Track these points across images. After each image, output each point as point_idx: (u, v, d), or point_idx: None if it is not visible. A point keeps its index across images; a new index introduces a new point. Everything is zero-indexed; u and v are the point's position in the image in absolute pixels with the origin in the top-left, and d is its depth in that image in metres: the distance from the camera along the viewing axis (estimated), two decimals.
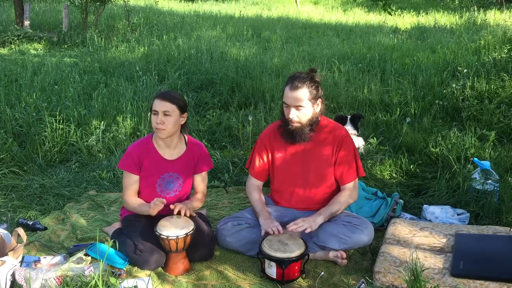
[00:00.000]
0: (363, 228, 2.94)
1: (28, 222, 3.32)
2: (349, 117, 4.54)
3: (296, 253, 2.76)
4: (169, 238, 2.74)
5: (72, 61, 8.51)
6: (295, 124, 2.89)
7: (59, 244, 3.13)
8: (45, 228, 3.30)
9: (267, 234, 2.90)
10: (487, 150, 4.34)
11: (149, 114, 3.04)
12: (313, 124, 2.93)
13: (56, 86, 6.23)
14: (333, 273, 2.90)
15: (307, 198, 3.10)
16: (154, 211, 2.82)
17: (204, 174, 3.19)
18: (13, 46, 10.54)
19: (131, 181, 3.01)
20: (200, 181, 3.17)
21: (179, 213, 2.89)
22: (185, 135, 3.13)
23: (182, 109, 2.99)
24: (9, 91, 5.73)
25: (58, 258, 2.89)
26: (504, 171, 3.99)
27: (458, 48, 8.34)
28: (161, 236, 2.76)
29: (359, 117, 4.54)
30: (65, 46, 10.89)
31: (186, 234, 2.77)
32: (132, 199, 3.02)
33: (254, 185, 3.17)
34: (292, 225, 2.86)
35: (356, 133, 4.50)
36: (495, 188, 3.53)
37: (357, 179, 3.09)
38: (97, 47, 9.62)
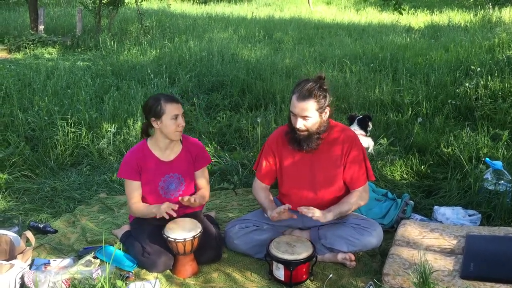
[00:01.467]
0: (371, 231, 2.91)
1: (39, 225, 3.36)
2: (357, 118, 4.51)
3: (303, 255, 2.75)
4: (177, 240, 2.75)
5: (85, 64, 8.60)
6: (303, 133, 2.87)
7: (69, 247, 3.16)
8: (56, 231, 3.33)
9: (271, 227, 2.93)
10: (500, 150, 4.28)
11: (152, 119, 2.95)
12: (321, 132, 2.90)
13: (69, 90, 6.30)
14: (342, 275, 2.88)
15: (315, 202, 3.05)
16: (161, 214, 2.81)
17: (205, 169, 3.18)
18: (27, 51, 10.68)
19: (134, 188, 3.01)
20: (201, 176, 3.17)
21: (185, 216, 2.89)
22: None
23: None
24: (23, 95, 5.80)
25: (67, 261, 2.92)
26: None
27: (472, 47, 8.24)
28: (169, 238, 2.77)
29: (368, 118, 4.51)
30: (79, 50, 11.02)
31: (194, 236, 2.78)
32: (138, 205, 3.01)
33: (260, 187, 3.16)
34: (304, 208, 2.81)
35: (364, 133, 4.47)
36: (508, 188, 3.48)
37: (367, 183, 3.06)
38: (109, 51, 9.69)
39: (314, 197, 3.05)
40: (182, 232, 2.78)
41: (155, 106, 2.92)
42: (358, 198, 3.01)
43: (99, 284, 2.31)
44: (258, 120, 4.69)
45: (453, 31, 12.04)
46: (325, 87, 2.84)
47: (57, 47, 11.17)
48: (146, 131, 3.06)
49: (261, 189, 3.15)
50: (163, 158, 3.05)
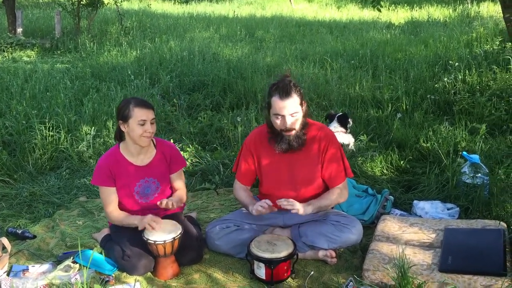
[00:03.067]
0: (351, 227, 2.93)
1: (18, 230, 3.31)
2: (337, 115, 4.53)
3: (284, 253, 2.75)
4: (157, 243, 2.74)
5: (64, 67, 8.50)
6: (291, 133, 2.86)
7: (48, 252, 3.12)
8: (34, 237, 3.29)
9: (252, 227, 2.92)
10: (478, 143, 4.33)
11: (120, 122, 2.91)
12: (304, 127, 2.92)
13: (48, 93, 6.23)
14: (323, 272, 2.89)
15: (295, 200, 3.08)
16: (143, 226, 2.79)
17: (180, 172, 3.16)
18: (6, 54, 10.53)
19: (109, 194, 2.97)
20: (178, 179, 3.14)
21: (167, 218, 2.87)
22: (152, 138, 3.09)
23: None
24: (0, 100, 5.72)
25: (46, 266, 2.89)
26: (495, 163, 3.97)
27: (450, 42, 8.34)
28: (149, 241, 2.75)
29: (346, 116, 4.54)
30: (58, 52, 10.88)
31: (174, 238, 2.76)
32: (115, 213, 2.97)
33: (241, 187, 3.16)
34: (283, 201, 2.81)
35: (345, 130, 4.49)
36: (485, 181, 3.52)
37: (346, 180, 3.07)
38: (89, 52, 9.60)
39: (294, 196, 3.05)
40: (162, 234, 2.77)
41: (123, 108, 2.89)
42: (338, 195, 3.03)
43: None
44: (238, 119, 4.69)
45: (433, 27, 12.16)
46: (295, 82, 2.85)
47: (36, 49, 11.03)
48: (120, 135, 3.01)
49: (241, 189, 3.15)
50: (137, 163, 3.02)
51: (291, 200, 2.83)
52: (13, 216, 3.56)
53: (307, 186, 3.04)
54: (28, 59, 10.15)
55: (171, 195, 3.13)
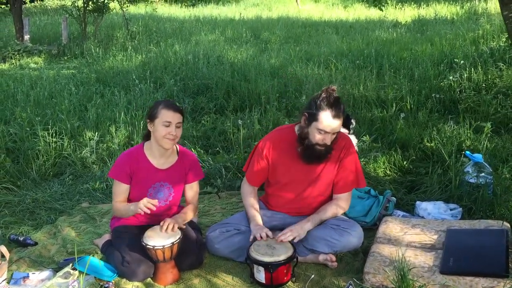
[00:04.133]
0: (351, 231, 2.90)
1: (19, 237, 3.32)
2: None
3: (283, 256, 2.73)
4: (155, 248, 2.73)
5: (70, 73, 8.55)
6: (323, 147, 2.84)
7: (49, 259, 3.12)
8: (36, 243, 3.30)
9: (255, 239, 2.88)
10: (482, 142, 4.28)
11: (147, 121, 2.98)
12: (335, 140, 2.91)
13: (54, 99, 6.27)
14: (324, 275, 2.87)
15: (301, 204, 3.07)
16: (141, 210, 2.75)
17: (195, 184, 3.17)
18: (13, 61, 10.63)
19: (121, 190, 3.00)
20: (192, 191, 3.16)
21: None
22: (176, 144, 3.12)
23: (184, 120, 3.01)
24: (5, 107, 5.76)
25: (46, 274, 2.89)
26: (500, 162, 3.92)
27: (456, 39, 8.26)
28: (148, 246, 2.75)
29: (349, 117, 4.50)
30: (65, 58, 10.97)
31: (173, 243, 2.76)
32: (119, 205, 3.00)
33: (249, 189, 3.15)
34: (280, 236, 2.84)
35: (347, 131, 4.45)
36: (489, 180, 3.47)
37: (351, 191, 3.06)
38: (95, 58, 9.66)
39: (299, 200, 3.06)
40: (161, 239, 2.76)
41: (153, 108, 2.95)
42: (339, 207, 3.03)
43: None
44: (240, 122, 4.67)
45: (440, 25, 12.08)
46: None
47: (43, 56, 11.12)
48: (147, 134, 3.05)
49: (249, 194, 3.14)
50: (157, 166, 3.04)
51: (286, 231, 2.85)
52: (16, 223, 3.57)
53: (318, 192, 3.04)
54: (35, 65, 10.23)
55: (178, 211, 3.14)
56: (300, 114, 2.93)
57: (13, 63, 10.52)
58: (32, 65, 10.23)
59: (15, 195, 4.02)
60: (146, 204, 2.73)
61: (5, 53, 11.20)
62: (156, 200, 2.79)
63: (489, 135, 4.41)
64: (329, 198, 3.09)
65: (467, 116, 5.09)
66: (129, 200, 3.05)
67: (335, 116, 2.74)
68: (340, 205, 3.04)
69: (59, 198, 4.00)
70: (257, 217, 3.05)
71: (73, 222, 3.64)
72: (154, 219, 2.98)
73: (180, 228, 2.92)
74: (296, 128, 3.00)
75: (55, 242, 3.34)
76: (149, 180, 3.03)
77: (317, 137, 2.80)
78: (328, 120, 2.75)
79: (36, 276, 2.86)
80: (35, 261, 3.07)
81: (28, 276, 2.86)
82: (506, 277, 2.43)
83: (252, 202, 3.11)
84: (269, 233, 2.89)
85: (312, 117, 2.79)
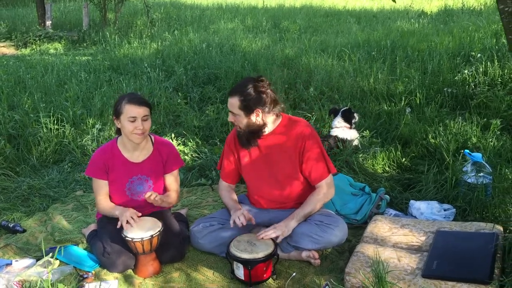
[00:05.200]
0: (334, 227, 2.83)
1: (9, 224, 3.35)
2: (341, 110, 4.41)
3: (262, 253, 2.68)
4: (134, 240, 2.71)
5: (85, 59, 8.61)
6: (239, 130, 2.89)
7: (36, 247, 3.15)
8: (24, 231, 3.33)
9: (236, 225, 2.85)
10: (489, 140, 4.12)
11: (113, 118, 2.95)
12: (255, 131, 2.87)
13: (66, 86, 6.32)
14: (306, 273, 2.82)
15: (280, 197, 3.02)
16: (123, 220, 2.77)
17: (175, 173, 3.13)
18: (34, 47, 10.77)
19: (100, 186, 2.99)
20: (172, 180, 3.12)
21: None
22: (151, 135, 3.09)
23: (152, 110, 2.96)
24: (14, 93, 5.83)
25: (30, 261, 2.91)
26: (505, 161, 3.77)
27: (477, 31, 7.98)
28: (127, 238, 2.73)
29: (350, 111, 4.40)
30: (84, 44, 11.06)
31: (152, 236, 2.74)
32: (104, 203, 2.99)
33: (224, 187, 3.13)
34: (262, 233, 2.79)
35: (349, 126, 4.36)
36: (488, 181, 3.34)
37: (330, 176, 2.96)
38: (113, 45, 9.70)
39: (280, 193, 3.01)
40: (140, 231, 2.74)
41: (117, 104, 2.90)
42: (322, 195, 2.93)
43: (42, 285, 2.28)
44: None
45: (466, 15, 11.71)
46: (260, 89, 2.78)
47: (63, 42, 11.24)
48: (119, 129, 3.01)
49: (224, 189, 3.13)
50: (131, 159, 3.01)
51: (270, 229, 2.80)
52: (9, 210, 3.61)
53: (290, 183, 2.97)
54: (54, 51, 10.35)
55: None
56: None
57: (34, 49, 10.67)
58: (52, 51, 10.35)
59: (12, 181, 4.06)
60: (129, 218, 2.75)
61: (26, 38, 11.37)
62: (140, 214, 2.80)
63: (498, 132, 4.25)
64: (309, 189, 3.00)
65: (478, 112, 4.92)
66: (110, 196, 3.03)
67: (229, 92, 2.86)
68: (322, 192, 2.93)
69: (55, 185, 4.03)
70: (236, 205, 3.01)
71: (65, 210, 3.66)
72: (138, 211, 2.95)
73: (163, 220, 2.90)
74: None
75: (44, 229, 3.37)
76: (125, 175, 3.00)
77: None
78: None
79: (19, 264, 2.88)
80: (21, 249, 3.10)
81: (11, 264, 2.88)
82: (488, 284, 2.33)
83: (229, 195, 3.09)
84: (248, 215, 2.86)
85: None
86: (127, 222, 2.76)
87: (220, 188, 3.14)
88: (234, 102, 2.79)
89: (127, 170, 2.99)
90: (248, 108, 2.78)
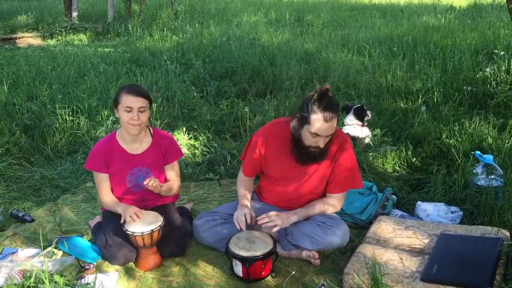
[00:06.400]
0: (335, 229, 2.80)
1: (19, 213, 3.43)
2: (353, 107, 4.35)
3: (260, 251, 2.68)
4: (135, 234, 2.74)
5: (108, 51, 8.71)
6: (317, 149, 2.73)
7: (43, 237, 3.20)
8: (33, 220, 3.40)
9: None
10: (507, 141, 4.01)
11: (114, 108, 2.98)
12: (330, 141, 2.78)
13: (85, 77, 6.42)
14: (306, 272, 2.80)
15: (294, 198, 2.99)
16: (126, 216, 2.79)
17: (175, 164, 3.14)
18: (60, 38, 10.95)
19: (101, 179, 3.01)
20: (172, 171, 3.13)
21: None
22: (149, 127, 3.10)
23: (151, 103, 2.97)
24: (34, 84, 5.95)
25: (35, 251, 2.97)
26: None
27: (503, 28, 7.76)
28: (127, 232, 2.76)
29: (363, 109, 4.34)
30: (108, 36, 11.18)
31: (152, 230, 2.75)
32: (107, 197, 3.02)
33: (244, 178, 3.10)
34: (263, 217, 2.76)
35: (361, 123, 4.30)
36: (499, 184, 3.25)
37: (345, 192, 2.94)
38: (136, 37, 9.78)
39: (295, 195, 2.97)
40: (141, 225, 2.77)
41: (117, 94, 2.93)
42: (330, 206, 2.93)
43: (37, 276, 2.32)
44: (246, 109, 4.60)
45: (496, 11, 11.42)
46: (336, 99, 2.70)
47: (88, 34, 11.39)
48: None
49: (243, 181, 3.10)
50: (131, 151, 3.03)
51: (271, 214, 2.76)
52: (20, 199, 3.69)
53: (310, 188, 2.94)
54: (79, 43, 10.50)
55: None
56: (294, 114, 2.80)
57: (60, 40, 10.84)
58: (76, 42, 10.50)
59: (26, 171, 4.15)
60: (132, 215, 2.76)
61: (53, 29, 11.56)
62: (143, 211, 2.81)
63: None
64: (321, 196, 2.99)
65: (497, 112, 4.79)
66: (111, 189, 3.06)
67: (328, 119, 2.59)
68: (331, 203, 2.93)
69: (67, 176, 4.10)
70: (244, 198, 2.99)
71: (74, 201, 3.72)
72: (140, 205, 2.98)
73: (165, 214, 2.92)
74: (292, 124, 2.84)
75: (52, 220, 3.43)
76: (125, 167, 3.02)
77: (310, 140, 2.68)
78: (320, 124, 2.60)
79: (24, 253, 2.95)
80: (28, 238, 3.16)
81: (16, 252, 2.95)
82: None
83: (243, 192, 3.06)
84: (250, 216, 2.84)
85: (304, 120, 2.65)
86: (130, 217, 2.79)
87: (239, 179, 3.12)
88: (335, 123, 2.65)
89: (126, 162, 3.02)
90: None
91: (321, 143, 2.68)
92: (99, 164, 3.00)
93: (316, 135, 2.64)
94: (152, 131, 3.10)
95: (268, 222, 2.76)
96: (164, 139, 3.11)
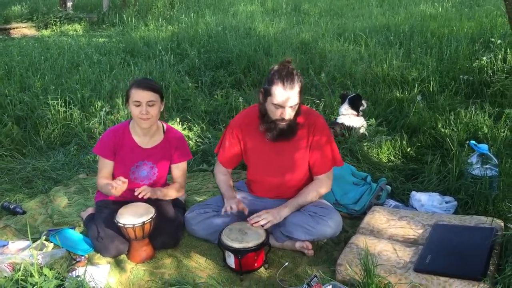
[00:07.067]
0: (327, 219, 2.78)
1: (10, 205, 3.40)
2: (348, 97, 4.32)
3: (252, 243, 2.66)
4: (126, 226, 2.71)
5: (102, 41, 8.64)
6: (285, 123, 2.73)
7: (34, 229, 3.18)
8: (24, 212, 3.37)
9: (229, 213, 2.83)
10: (502, 130, 3.98)
11: (125, 103, 2.99)
12: (297, 115, 2.78)
13: (79, 68, 6.36)
14: (299, 263, 2.78)
15: (280, 186, 2.97)
16: (116, 192, 2.74)
17: (182, 165, 3.13)
18: (54, 28, 10.85)
19: (105, 165, 3.02)
20: (178, 172, 3.12)
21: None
22: (163, 123, 3.10)
23: (162, 97, 2.96)
24: (27, 74, 5.89)
25: (26, 243, 2.94)
26: None
27: (500, 16, 7.70)
28: (118, 224, 2.74)
29: (359, 98, 4.31)
30: (103, 26, 11.09)
31: (143, 222, 2.73)
32: (103, 180, 3.01)
33: (221, 171, 3.08)
34: (254, 217, 2.77)
35: (356, 113, 4.27)
36: (494, 173, 3.23)
37: (331, 170, 2.91)
38: (131, 27, 9.70)
39: (280, 182, 2.96)
40: (132, 217, 2.74)
41: (128, 89, 2.93)
42: (319, 187, 2.90)
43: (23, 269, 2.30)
44: (240, 100, 4.56)
45: None
46: (298, 71, 2.69)
47: (83, 24, 11.30)
48: None
49: (221, 173, 3.07)
50: (141, 144, 3.04)
51: (262, 213, 2.77)
52: (12, 191, 3.66)
53: (293, 172, 2.92)
54: (74, 33, 10.41)
55: (164, 185, 3.13)
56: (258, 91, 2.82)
57: (54, 30, 10.75)
58: (71, 33, 10.41)
59: (18, 163, 4.11)
60: (114, 184, 2.71)
61: (47, 20, 11.47)
62: (126, 180, 2.75)
63: (510, 123, 4.10)
64: (310, 180, 2.97)
65: (494, 101, 4.76)
66: (114, 177, 3.04)
67: (287, 87, 2.59)
68: (320, 186, 2.91)
69: (59, 168, 4.07)
70: (231, 191, 2.97)
71: (67, 193, 3.69)
72: (133, 196, 2.95)
73: (157, 206, 2.89)
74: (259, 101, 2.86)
75: (44, 212, 3.40)
76: (132, 158, 3.02)
77: (274, 113, 2.69)
78: (280, 94, 2.61)
79: (15, 246, 2.92)
80: (19, 230, 3.14)
81: (7, 245, 2.92)
82: (480, 280, 2.26)
83: (224, 178, 3.04)
84: (241, 205, 2.83)
85: (267, 92, 2.67)
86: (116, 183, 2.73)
87: (217, 171, 3.09)
88: (297, 92, 2.63)
89: (134, 153, 3.02)
90: (302, 91, 2.69)
91: (285, 115, 2.67)
92: (107, 151, 3.00)
93: (279, 106, 2.65)
94: (165, 127, 3.10)
95: (259, 221, 2.75)
96: (175, 139, 3.11)
